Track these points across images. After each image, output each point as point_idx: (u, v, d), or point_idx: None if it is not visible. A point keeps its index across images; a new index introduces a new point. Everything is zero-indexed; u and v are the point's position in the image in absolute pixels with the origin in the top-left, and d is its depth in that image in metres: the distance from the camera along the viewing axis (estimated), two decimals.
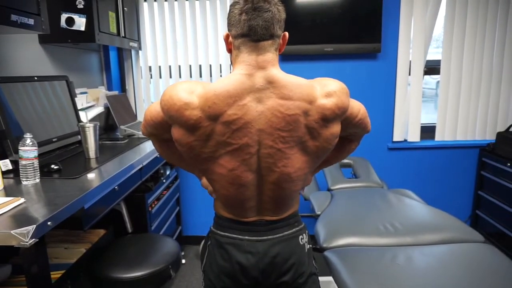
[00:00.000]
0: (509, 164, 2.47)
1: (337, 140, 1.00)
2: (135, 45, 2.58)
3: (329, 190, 2.20)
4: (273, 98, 0.91)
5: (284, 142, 0.93)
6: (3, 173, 1.40)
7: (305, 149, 0.96)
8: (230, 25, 0.95)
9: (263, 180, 0.98)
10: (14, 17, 1.33)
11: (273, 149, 0.93)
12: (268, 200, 1.02)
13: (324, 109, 0.92)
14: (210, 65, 2.76)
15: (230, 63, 0.91)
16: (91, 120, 2.11)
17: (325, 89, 0.94)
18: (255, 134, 0.92)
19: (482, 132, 2.81)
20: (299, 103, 0.91)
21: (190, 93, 0.91)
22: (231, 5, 0.95)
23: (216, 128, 0.91)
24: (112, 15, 2.22)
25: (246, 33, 0.92)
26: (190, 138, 0.93)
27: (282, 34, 0.97)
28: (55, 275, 1.37)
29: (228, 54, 1.01)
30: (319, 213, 1.88)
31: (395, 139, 2.82)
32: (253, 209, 1.03)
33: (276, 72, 0.93)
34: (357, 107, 1.02)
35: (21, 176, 1.36)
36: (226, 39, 0.98)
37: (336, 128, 0.97)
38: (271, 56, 0.94)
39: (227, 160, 0.94)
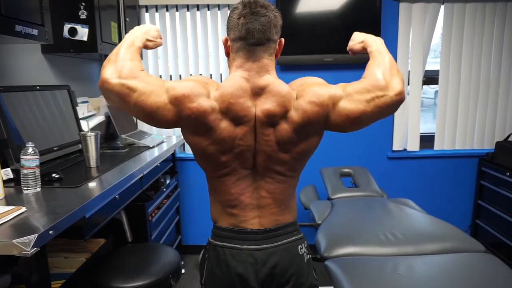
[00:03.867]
0: (508, 174, 2.48)
1: (318, 143, 1.05)
2: None
3: (329, 199, 2.19)
4: (264, 104, 0.97)
5: (275, 144, 1.00)
6: (4, 182, 1.40)
7: (283, 150, 1.01)
8: (228, 29, 1.00)
9: (259, 175, 1.02)
10: (18, 28, 1.35)
11: (266, 148, 1.00)
12: (265, 196, 1.03)
13: (293, 122, 0.97)
14: (211, 75, 2.78)
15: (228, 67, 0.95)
16: (92, 129, 2.12)
17: (299, 100, 0.98)
18: (252, 136, 0.99)
19: (481, 141, 2.82)
20: (281, 117, 0.97)
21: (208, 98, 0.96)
22: (231, 11, 1.00)
23: (234, 128, 0.97)
24: (114, 25, 2.24)
25: (244, 36, 0.96)
26: (205, 141, 0.99)
27: (278, 40, 1.02)
28: (55, 284, 1.36)
29: (226, 63, 1.05)
30: (319, 222, 1.88)
31: (395, 148, 2.83)
32: (252, 208, 1.03)
33: (269, 79, 0.98)
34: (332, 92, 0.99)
35: (22, 185, 1.36)
36: (225, 43, 1.03)
37: (311, 138, 1.02)
38: (265, 62, 0.99)
39: (226, 156, 1.00)
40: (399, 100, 0.99)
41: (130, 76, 0.95)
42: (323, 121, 0.99)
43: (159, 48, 2.74)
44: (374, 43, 1.10)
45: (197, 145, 1.00)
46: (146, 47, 1.09)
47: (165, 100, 0.94)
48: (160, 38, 1.12)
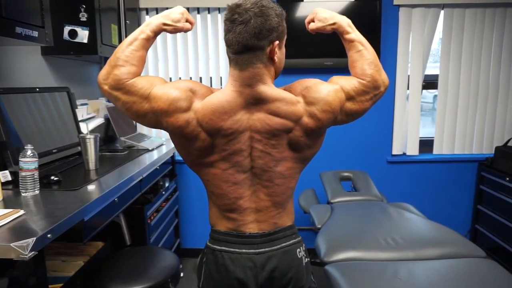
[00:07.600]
0: (508, 179, 2.48)
1: (322, 142, 1.08)
2: None
3: (329, 203, 2.19)
4: (262, 112, 0.97)
5: (273, 147, 0.99)
6: (3, 184, 1.39)
7: (294, 151, 1.02)
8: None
9: (257, 178, 1.01)
10: (18, 30, 1.34)
11: (263, 153, 0.99)
12: (264, 198, 1.02)
13: (306, 128, 0.99)
14: (211, 77, 2.78)
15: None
16: (92, 132, 2.11)
17: (311, 107, 0.98)
18: (247, 140, 0.98)
19: (480, 146, 2.82)
20: (284, 121, 0.97)
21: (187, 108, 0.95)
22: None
23: (213, 141, 0.97)
24: (114, 27, 2.24)
25: (228, 44, 0.95)
26: (190, 147, 0.99)
27: (272, 44, 0.94)
28: None
29: (228, 66, 1.05)
30: (319, 226, 1.87)
31: (394, 152, 2.82)
32: (251, 212, 1.03)
33: (263, 89, 0.96)
34: (332, 97, 1.00)
35: (20, 188, 1.35)
36: None
37: (320, 138, 1.05)
38: (255, 71, 0.94)
39: (220, 163, 1.00)
40: (386, 89, 1.10)
41: (115, 87, 0.96)
42: (332, 122, 1.04)
43: (159, 51, 2.74)
44: (350, 29, 1.08)
45: (181, 148, 1.03)
46: (165, 31, 1.02)
47: (147, 109, 0.96)
48: (187, 21, 1.02)
